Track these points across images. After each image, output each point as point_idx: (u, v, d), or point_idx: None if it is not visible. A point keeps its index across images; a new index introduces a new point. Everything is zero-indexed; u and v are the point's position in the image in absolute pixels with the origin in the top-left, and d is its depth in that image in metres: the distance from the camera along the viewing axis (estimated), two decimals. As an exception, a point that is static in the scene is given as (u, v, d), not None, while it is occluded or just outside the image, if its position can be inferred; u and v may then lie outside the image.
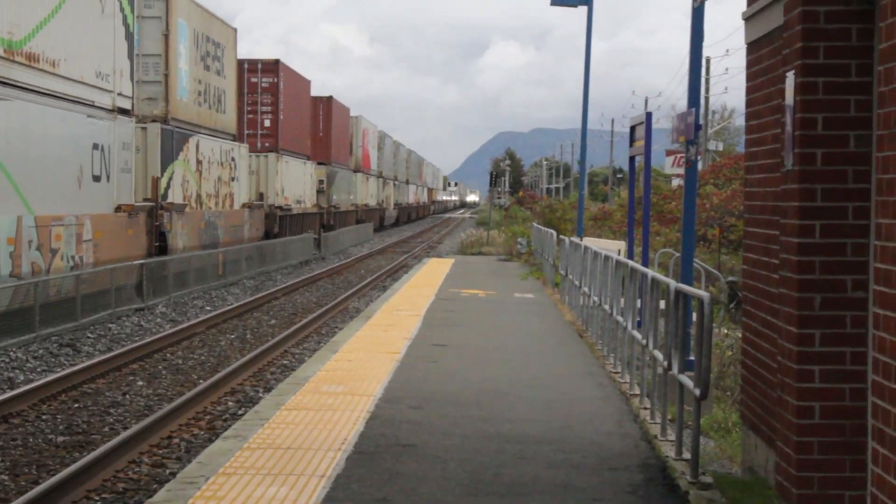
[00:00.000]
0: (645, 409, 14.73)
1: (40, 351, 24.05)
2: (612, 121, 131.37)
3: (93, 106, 31.50)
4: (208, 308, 34.33)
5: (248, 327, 29.63)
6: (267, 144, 59.36)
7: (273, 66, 60.22)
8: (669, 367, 12.62)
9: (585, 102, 40.25)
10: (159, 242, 37.82)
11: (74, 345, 25.16)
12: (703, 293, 11.48)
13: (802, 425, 9.41)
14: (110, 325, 28.66)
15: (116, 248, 32.91)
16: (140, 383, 20.77)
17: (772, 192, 11.04)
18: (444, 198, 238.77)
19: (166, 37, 40.38)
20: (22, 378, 21.00)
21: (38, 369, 22.08)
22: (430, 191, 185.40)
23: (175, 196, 40.50)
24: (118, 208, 33.72)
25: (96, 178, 31.72)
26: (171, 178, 40.00)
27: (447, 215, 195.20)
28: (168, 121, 40.43)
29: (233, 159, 50.10)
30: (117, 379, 21.12)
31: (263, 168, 58.36)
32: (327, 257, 61.33)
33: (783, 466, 9.83)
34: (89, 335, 26.84)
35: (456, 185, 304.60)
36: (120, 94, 33.80)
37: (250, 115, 59.34)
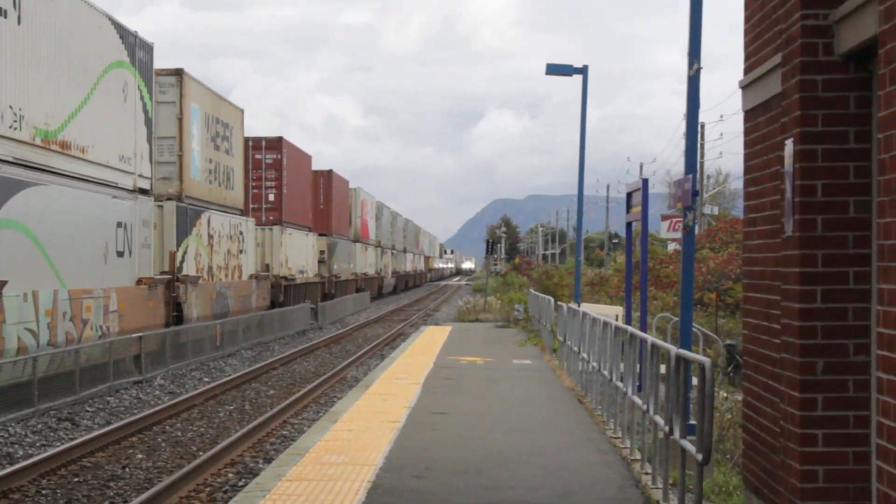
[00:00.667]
0: (646, 473, 14.72)
1: (39, 425, 23.92)
2: (608, 186, 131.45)
3: (116, 187, 33.95)
4: (206, 379, 34.18)
5: (246, 398, 29.53)
6: (271, 218, 61.12)
7: (276, 143, 62.39)
8: (671, 432, 12.64)
9: (581, 170, 40.39)
10: (176, 312, 39.75)
11: (73, 419, 25.05)
12: (705, 359, 11.51)
13: (806, 489, 9.42)
14: (108, 399, 28.52)
15: (138, 318, 35.11)
16: (139, 456, 20.66)
17: (772, 257, 11.08)
18: (441, 265, 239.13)
19: (180, 120, 42.53)
20: (21, 453, 20.88)
21: (38, 444, 21.94)
22: (427, 258, 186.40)
23: (189, 269, 42.49)
24: (139, 281, 35.92)
25: (120, 254, 34.11)
26: (185, 252, 42.12)
27: (443, 283, 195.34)
28: (182, 198, 42.40)
29: (241, 233, 52.13)
30: (117, 452, 21.01)
31: (269, 240, 59.99)
32: (325, 326, 61.28)
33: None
34: (88, 409, 26.71)
35: (452, 252, 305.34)
36: (140, 176, 36.22)
37: (255, 190, 61.09)
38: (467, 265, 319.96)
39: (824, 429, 9.47)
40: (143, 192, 36.55)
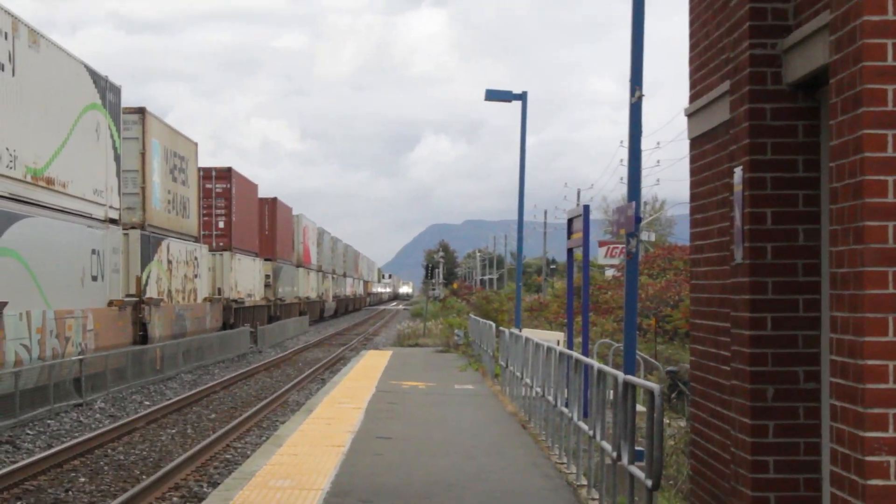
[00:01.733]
0: (593, 500, 14.72)
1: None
2: (545, 212, 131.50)
3: (91, 218, 37.46)
4: (147, 403, 33.96)
5: (188, 422, 29.35)
6: (221, 244, 63.61)
7: (226, 173, 65.51)
8: (619, 458, 12.64)
9: (521, 197, 40.39)
10: (142, 332, 43.00)
11: (14, 441, 24.81)
12: (654, 385, 11.51)
13: (757, 517, 9.42)
14: (49, 422, 28.29)
15: (111, 336, 38.61)
16: (82, 480, 20.47)
17: (719, 284, 11.11)
18: (379, 290, 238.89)
19: (143, 155, 45.72)
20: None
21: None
22: (366, 283, 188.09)
23: (152, 292, 45.62)
24: (110, 303, 39.33)
25: (94, 279, 37.69)
26: (148, 277, 45.28)
27: (381, 307, 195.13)
28: (145, 227, 45.62)
29: (196, 258, 55.15)
30: (59, 475, 20.80)
31: (219, 265, 62.83)
32: (264, 350, 61.13)
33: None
34: (28, 431, 26.49)
35: (390, 276, 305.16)
36: (111, 207, 39.75)
37: (206, 217, 63.17)
38: (405, 290, 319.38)
39: (775, 455, 9.48)
40: (112, 221, 39.91)
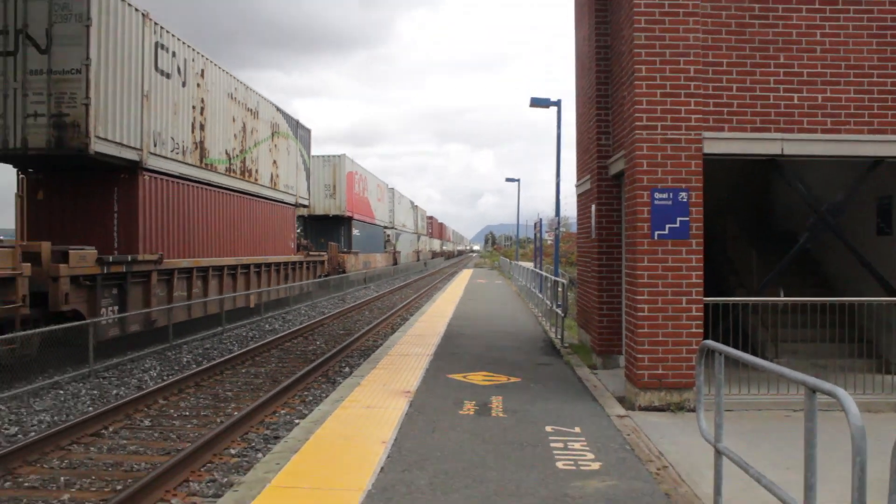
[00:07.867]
0: (542, 321, 16.38)
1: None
2: (526, 221, 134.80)
3: (383, 226, 47.80)
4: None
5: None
6: (430, 233, 70.10)
7: (430, 219, 72.21)
8: (552, 306, 14.30)
9: (518, 215, 46.70)
10: (395, 262, 50.72)
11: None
12: (563, 280, 13.50)
13: (601, 326, 10.87)
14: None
15: (384, 263, 46.28)
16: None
17: (586, 246, 12.15)
18: (464, 248, 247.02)
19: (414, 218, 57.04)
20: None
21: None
22: (464, 247, 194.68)
23: (398, 249, 52.51)
24: (387, 253, 46.70)
25: (385, 245, 46.63)
26: (396, 244, 53.10)
27: (466, 257, 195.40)
28: (394, 226, 54.00)
29: (419, 238, 63.31)
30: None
31: (424, 242, 72.18)
32: (423, 270, 61.12)
33: (594, 339, 11.16)
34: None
35: (470, 243, 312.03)
36: (387, 221, 49.27)
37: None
38: (477, 247, 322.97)
39: (606, 305, 10.94)
40: (385, 227, 48.40)
